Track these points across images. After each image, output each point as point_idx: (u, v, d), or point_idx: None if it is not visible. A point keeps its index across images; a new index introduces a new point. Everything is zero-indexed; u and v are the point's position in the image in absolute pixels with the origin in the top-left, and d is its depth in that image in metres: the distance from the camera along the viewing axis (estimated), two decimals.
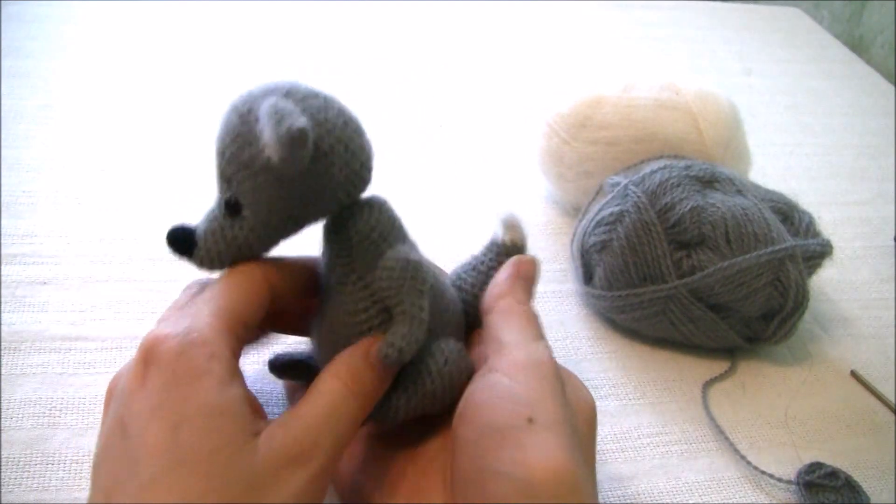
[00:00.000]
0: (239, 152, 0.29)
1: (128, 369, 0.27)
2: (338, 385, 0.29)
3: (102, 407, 0.39)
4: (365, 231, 0.30)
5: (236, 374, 0.27)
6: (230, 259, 0.30)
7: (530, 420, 0.27)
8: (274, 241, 0.31)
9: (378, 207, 0.31)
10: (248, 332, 0.29)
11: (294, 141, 0.26)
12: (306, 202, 0.30)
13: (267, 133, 0.26)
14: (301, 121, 0.26)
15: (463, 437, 0.28)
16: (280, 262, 0.31)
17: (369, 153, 0.31)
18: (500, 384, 0.28)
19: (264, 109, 0.27)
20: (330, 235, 0.31)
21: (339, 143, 0.29)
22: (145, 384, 0.26)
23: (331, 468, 0.27)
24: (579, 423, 0.29)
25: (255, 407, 0.28)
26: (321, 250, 0.32)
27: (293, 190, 0.29)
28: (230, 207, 0.29)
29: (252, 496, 0.25)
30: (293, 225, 0.31)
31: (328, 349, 0.31)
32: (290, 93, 0.29)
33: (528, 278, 0.34)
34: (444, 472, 0.30)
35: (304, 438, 0.27)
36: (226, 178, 0.29)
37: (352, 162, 0.30)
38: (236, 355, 0.28)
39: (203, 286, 0.31)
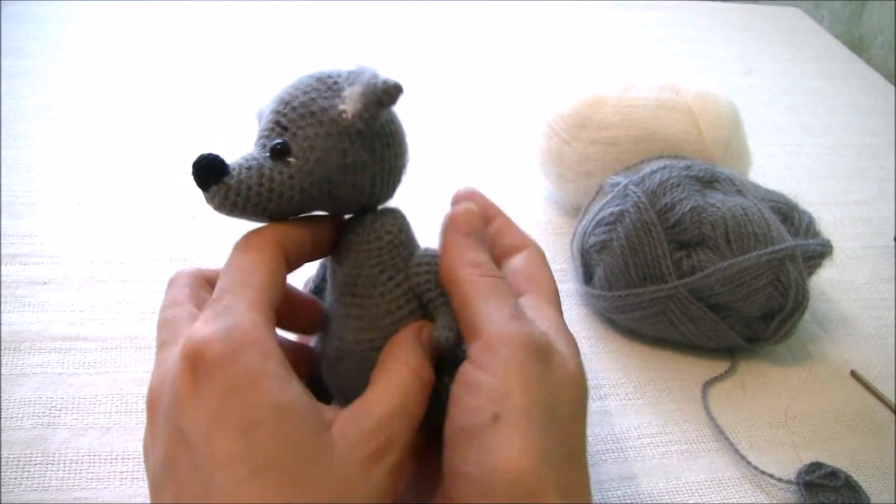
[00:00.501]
0: (310, 102, 0.30)
1: (171, 379, 0.25)
2: (408, 373, 0.27)
3: (103, 407, 0.39)
4: (395, 232, 0.31)
5: (289, 368, 0.26)
6: (255, 201, 0.29)
7: (495, 417, 0.26)
8: (299, 204, 0.29)
9: (400, 213, 0.32)
10: (277, 311, 0.28)
11: (384, 93, 0.29)
12: (349, 177, 0.30)
13: (361, 82, 0.29)
14: (395, 80, 0.29)
15: (444, 434, 0.27)
16: (289, 226, 0.30)
17: (406, 167, 0.32)
18: (468, 376, 0.27)
19: (367, 72, 0.30)
20: (353, 239, 0.31)
21: (398, 136, 0.31)
22: (199, 393, 0.24)
23: (406, 460, 0.27)
24: (559, 400, 0.27)
25: (313, 398, 0.26)
26: (328, 263, 0.32)
27: (346, 155, 0.29)
28: (277, 151, 0.29)
29: (338, 496, 0.24)
30: (323, 197, 0.30)
31: (354, 357, 0.30)
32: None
33: (469, 231, 0.31)
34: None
35: (381, 432, 0.26)
36: (282, 125, 0.29)
37: (399, 160, 0.31)
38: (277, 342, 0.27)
39: (196, 277, 0.30)
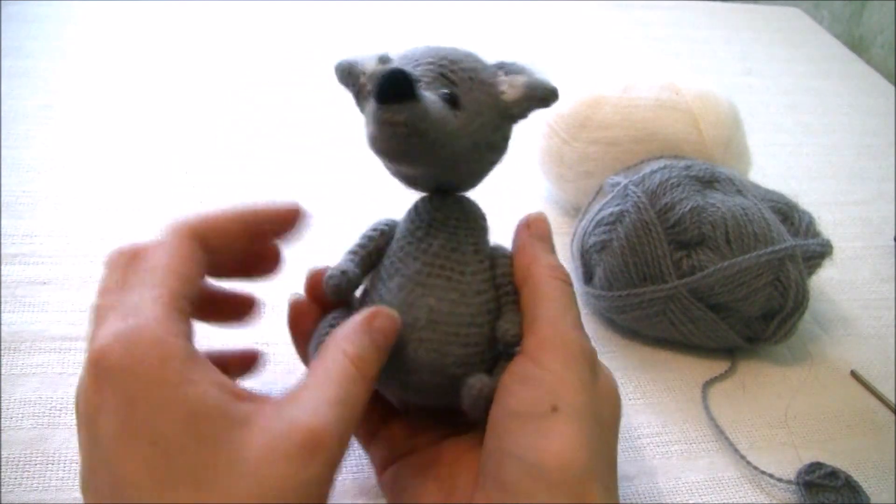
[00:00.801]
0: (477, 69, 0.30)
1: (81, 383, 0.25)
2: (346, 363, 0.27)
3: None
4: (487, 220, 0.33)
5: (198, 365, 0.25)
6: (433, 136, 0.27)
7: (554, 408, 0.27)
8: (452, 161, 0.29)
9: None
10: (193, 303, 0.27)
11: (548, 93, 0.30)
12: (485, 154, 0.31)
13: (528, 74, 0.31)
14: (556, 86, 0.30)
15: (492, 418, 0.28)
16: (207, 215, 0.30)
17: None
18: (526, 369, 0.28)
19: (528, 67, 0.31)
20: (451, 216, 0.32)
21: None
22: (103, 405, 0.24)
23: (341, 455, 0.25)
24: (604, 411, 0.29)
25: (230, 390, 0.25)
26: (415, 233, 0.32)
27: (495, 132, 0.30)
28: (450, 99, 0.29)
29: (259, 495, 0.23)
30: (459, 163, 0.30)
31: (441, 328, 0.30)
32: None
33: (543, 236, 0.32)
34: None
35: (310, 423, 0.24)
36: (449, 79, 0.29)
37: (504, 153, 0.32)
38: (190, 337, 0.26)
39: (131, 256, 0.28)
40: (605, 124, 0.50)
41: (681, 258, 0.43)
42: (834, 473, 0.39)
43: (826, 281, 0.52)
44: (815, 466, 0.39)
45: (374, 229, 0.33)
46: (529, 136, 0.57)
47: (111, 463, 0.23)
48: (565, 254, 0.52)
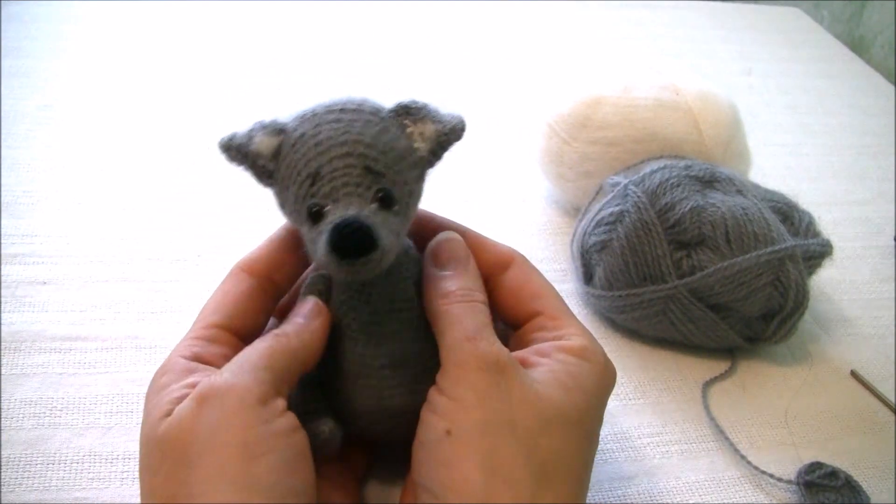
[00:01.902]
0: (394, 142, 0.29)
1: None
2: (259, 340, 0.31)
3: (103, 407, 0.39)
4: (411, 245, 0.33)
5: (188, 373, 0.29)
6: (388, 262, 0.28)
7: (448, 432, 0.27)
8: None
9: None
10: (247, 329, 0.32)
11: (460, 132, 0.30)
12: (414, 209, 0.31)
13: (431, 119, 0.30)
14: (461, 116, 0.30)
15: (413, 449, 0.29)
16: (256, 249, 0.33)
17: None
18: (431, 397, 0.29)
19: (430, 107, 0.30)
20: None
21: None
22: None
23: (239, 386, 0.27)
24: (521, 420, 0.28)
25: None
26: (351, 284, 0.31)
27: (417, 195, 0.30)
28: (386, 201, 0.28)
29: (181, 453, 0.26)
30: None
31: (405, 376, 0.31)
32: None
33: (445, 260, 0.32)
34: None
35: (204, 382, 0.28)
36: (375, 171, 0.28)
37: None
38: (214, 357, 0.30)
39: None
40: (605, 124, 0.50)
41: (681, 258, 0.43)
42: (834, 473, 0.39)
43: (826, 281, 0.52)
44: (815, 466, 0.39)
45: (312, 290, 0.32)
46: (529, 136, 0.57)
47: None
48: (565, 254, 0.52)
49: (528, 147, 0.58)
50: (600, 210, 0.46)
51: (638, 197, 0.44)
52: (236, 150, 0.30)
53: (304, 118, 0.30)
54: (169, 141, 0.58)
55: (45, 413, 0.37)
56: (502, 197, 0.57)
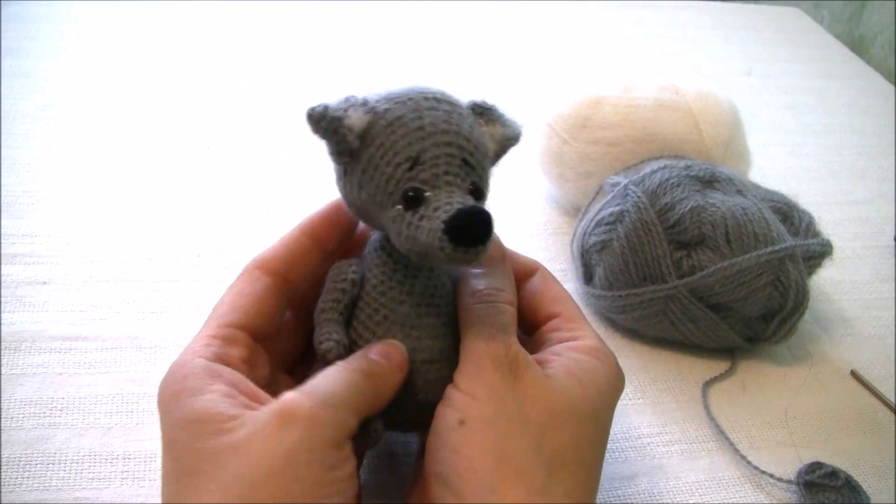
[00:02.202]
0: (480, 138, 0.30)
1: None
2: (333, 368, 0.30)
3: (103, 407, 0.39)
4: None
5: (211, 378, 0.28)
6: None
7: (461, 422, 0.28)
8: None
9: None
10: (263, 330, 0.31)
11: (519, 140, 0.32)
12: None
13: (503, 124, 0.31)
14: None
15: (427, 441, 0.30)
16: (273, 246, 0.33)
17: None
18: (447, 392, 0.30)
19: (499, 109, 0.31)
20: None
21: None
22: (161, 433, 0.29)
23: (326, 422, 0.27)
24: (529, 410, 0.29)
25: (251, 396, 0.28)
26: (393, 276, 0.32)
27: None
28: (477, 194, 0.29)
29: (249, 464, 0.25)
30: None
31: (438, 371, 0.31)
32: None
33: (488, 258, 0.32)
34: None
35: (287, 401, 0.27)
36: (470, 164, 0.29)
37: None
38: (232, 359, 0.29)
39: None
40: (605, 124, 0.50)
41: (681, 258, 0.43)
42: (834, 473, 0.39)
43: (826, 281, 0.52)
44: (815, 466, 0.39)
45: (344, 279, 0.32)
46: (529, 136, 0.57)
47: (161, 477, 0.28)
48: (565, 254, 0.52)
49: (528, 147, 0.58)
50: (600, 210, 0.46)
51: (638, 197, 0.44)
52: (329, 122, 0.28)
53: (395, 100, 0.29)
54: (169, 141, 0.58)
55: (45, 413, 0.37)
56: (502, 197, 0.57)
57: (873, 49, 0.93)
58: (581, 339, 0.32)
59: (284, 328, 0.34)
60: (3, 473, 0.34)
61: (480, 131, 0.31)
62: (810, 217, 0.46)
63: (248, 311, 0.31)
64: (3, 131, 0.56)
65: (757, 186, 0.47)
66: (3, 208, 0.49)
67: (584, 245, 0.47)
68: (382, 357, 0.30)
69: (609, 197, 0.46)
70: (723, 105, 0.52)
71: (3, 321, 0.42)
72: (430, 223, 0.27)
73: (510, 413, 0.28)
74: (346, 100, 0.29)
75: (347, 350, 0.31)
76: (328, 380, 0.28)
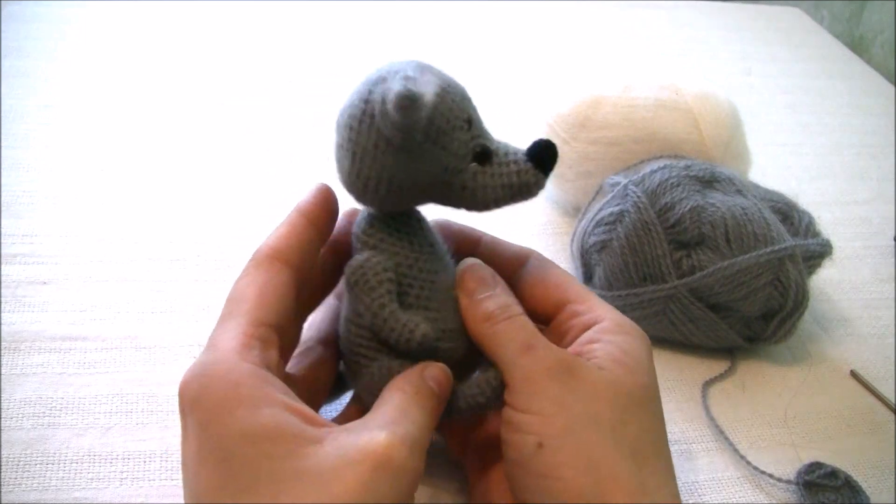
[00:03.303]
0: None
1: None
2: (403, 396, 0.29)
3: (103, 407, 0.39)
4: None
5: (267, 387, 0.26)
6: None
7: (538, 445, 0.27)
8: None
9: None
10: (284, 329, 0.29)
11: None
12: None
13: None
14: None
15: (506, 473, 0.29)
16: (277, 233, 0.31)
17: None
18: (507, 416, 0.29)
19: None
20: (434, 233, 0.34)
21: None
22: (186, 434, 0.26)
23: (411, 471, 0.26)
24: (603, 412, 0.28)
25: (307, 416, 0.26)
26: (424, 248, 0.32)
27: None
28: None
29: (333, 497, 0.24)
30: None
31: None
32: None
33: (474, 287, 0.32)
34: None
35: (383, 445, 0.25)
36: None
37: None
38: (268, 363, 0.27)
39: (229, 298, 0.30)
40: (605, 124, 0.50)
41: (681, 258, 0.43)
42: (834, 473, 0.39)
43: (826, 281, 0.52)
44: (814, 466, 0.39)
45: (385, 269, 0.31)
46: (530, 136, 0.57)
47: (190, 482, 0.26)
48: (565, 254, 0.52)
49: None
50: (600, 210, 0.46)
51: (638, 197, 0.44)
52: (423, 106, 0.28)
53: (424, 72, 0.30)
54: (169, 141, 0.58)
55: (44, 413, 0.37)
56: None
57: (873, 49, 0.93)
58: (604, 318, 0.32)
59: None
60: (2, 473, 0.34)
61: None
62: (810, 217, 0.46)
63: (277, 308, 0.29)
64: (3, 131, 0.56)
65: (757, 186, 0.47)
66: (3, 208, 0.49)
67: (584, 245, 0.47)
68: (436, 384, 0.30)
69: (609, 197, 0.46)
70: (723, 105, 0.52)
71: (3, 321, 0.42)
72: (517, 166, 0.31)
73: (581, 418, 0.28)
74: (406, 79, 0.28)
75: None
76: (409, 420, 0.27)
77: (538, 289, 0.34)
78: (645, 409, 0.30)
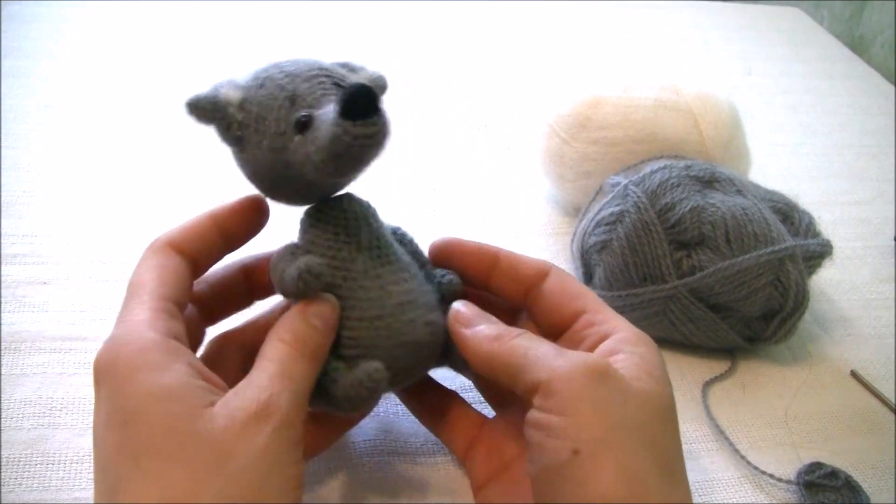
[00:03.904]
0: (345, 74, 0.32)
1: None
2: (283, 347, 0.29)
3: None
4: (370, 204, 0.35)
5: (172, 354, 0.27)
6: (384, 145, 0.29)
7: (575, 451, 0.27)
8: None
9: None
10: (182, 304, 0.30)
11: (384, 85, 0.35)
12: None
13: (372, 74, 0.35)
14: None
15: (533, 477, 0.29)
16: (180, 225, 0.33)
17: None
18: (540, 421, 0.28)
19: (361, 64, 0.34)
20: (359, 212, 0.33)
21: None
22: (98, 403, 0.27)
23: (294, 422, 0.27)
24: (632, 411, 0.28)
25: (210, 380, 0.28)
26: (339, 237, 0.32)
27: None
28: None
29: (217, 460, 0.25)
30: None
31: (412, 311, 0.32)
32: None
33: (469, 320, 0.33)
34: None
35: (260, 397, 0.27)
36: (343, 86, 0.31)
37: None
38: (175, 334, 0.28)
39: (129, 285, 0.31)
40: (605, 124, 0.50)
41: (681, 258, 0.43)
42: (834, 473, 0.39)
43: (826, 281, 0.52)
44: (815, 466, 0.39)
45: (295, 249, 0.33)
46: (529, 136, 0.57)
47: (97, 449, 0.26)
48: (565, 254, 0.52)
49: (528, 147, 0.58)
50: (600, 210, 0.46)
51: (638, 197, 0.44)
52: (206, 103, 0.30)
53: (259, 72, 0.32)
54: (169, 140, 0.58)
55: (45, 413, 0.37)
56: (502, 197, 0.57)
57: (873, 49, 0.93)
58: (620, 329, 0.31)
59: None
60: (2, 473, 0.34)
61: (348, 72, 0.33)
62: (810, 217, 0.46)
63: (174, 285, 0.30)
64: (3, 131, 0.56)
65: (757, 186, 0.47)
66: (3, 208, 0.49)
67: (584, 245, 0.47)
68: (320, 320, 0.30)
69: (609, 197, 0.46)
70: (723, 105, 0.52)
71: (3, 321, 0.42)
72: (326, 120, 0.28)
73: (622, 424, 0.27)
74: (215, 84, 0.31)
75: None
76: (290, 372, 0.28)
77: (557, 300, 0.34)
78: (671, 421, 0.29)
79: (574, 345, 0.32)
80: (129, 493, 0.25)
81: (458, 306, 0.33)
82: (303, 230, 0.33)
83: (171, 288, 0.30)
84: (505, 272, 0.35)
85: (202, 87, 0.31)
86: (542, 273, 0.34)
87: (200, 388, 0.27)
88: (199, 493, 0.24)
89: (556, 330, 0.34)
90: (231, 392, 0.27)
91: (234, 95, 0.31)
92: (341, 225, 0.32)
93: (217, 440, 0.25)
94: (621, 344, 0.31)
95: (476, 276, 0.35)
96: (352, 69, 0.34)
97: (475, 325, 0.32)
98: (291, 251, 0.32)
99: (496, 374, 0.31)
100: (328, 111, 0.28)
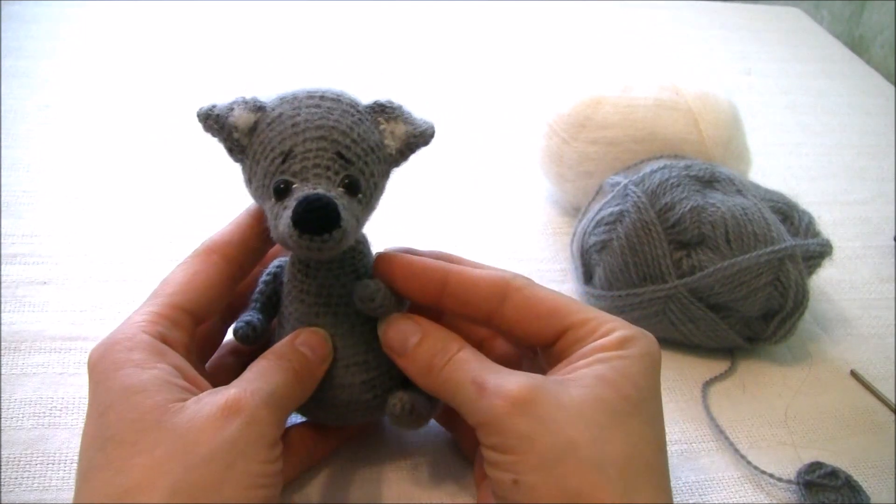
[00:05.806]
0: (367, 136, 0.30)
1: None
2: (264, 361, 0.30)
3: None
4: (363, 239, 0.34)
5: (161, 356, 0.29)
6: (347, 244, 0.29)
7: (514, 482, 0.27)
8: None
9: None
10: (206, 317, 0.32)
11: (429, 137, 0.31)
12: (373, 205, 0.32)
13: (404, 121, 0.31)
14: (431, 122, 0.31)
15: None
16: (222, 230, 0.34)
17: None
18: (483, 453, 0.29)
19: (404, 108, 0.31)
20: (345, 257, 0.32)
21: None
22: (90, 397, 0.28)
23: (264, 421, 0.28)
24: (578, 434, 0.27)
25: (194, 382, 0.29)
26: (296, 276, 0.32)
27: (381, 189, 0.31)
28: (352, 187, 0.29)
29: (182, 448, 0.26)
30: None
31: (336, 368, 0.32)
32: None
33: (400, 348, 0.32)
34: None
35: (229, 393, 0.28)
36: (346, 158, 0.29)
37: None
38: (171, 340, 0.30)
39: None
40: (605, 124, 0.50)
41: (681, 258, 0.43)
42: (834, 473, 0.39)
43: (826, 281, 0.52)
44: (815, 466, 0.39)
45: (268, 273, 0.34)
46: (529, 136, 0.57)
47: (81, 441, 0.28)
48: (565, 254, 0.52)
49: (528, 147, 0.58)
50: (600, 210, 0.46)
51: (638, 197, 0.44)
52: (214, 120, 0.31)
53: (284, 99, 0.31)
54: (168, 140, 0.58)
55: (45, 413, 0.37)
56: (502, 197, 0.57)
57: (873, 49, 0.93)
58: (604, 334, 0.31)
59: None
60: (3, 473, 0.34)
61: (369, 128, 0.30)
62: (810, 217, 0.46)
63: (197, 295, 0.31)
64: (3, 131, 0.56)
65: (757, 186, 0.47)
66: (3, 208, 0.49)
67: (584, 245, 0.47)
68: (308, 348, 0.31)
69: (609, 197, 0.46)
70: (723, 105, 0.52)
71: (3, 321, 0.42)
72: (285, 212, 0.28)
73: (554, 450, 0.27)
74: (236, 100, 0.31)
75: (261, 332, 0.32)
76: (266, 379, 0.29)
77: (530, 323, 0.31)
78: (631, 421, 0.28)
79: (559, 361, 0.31)
80: (94, 479, 0.26)
81: (382, 332, 0.32)
82: (292, 266, 0.33)
83: (190, 296, 0.31)
84: (455, 296, 0.32)
85: (223, 97, 0.31)
86: (498, 294, 0.31)
87: (177, 386, 0.28)
88: (157, 481, 0.25)
89: (536, 344, 0.33)
90: (207, 392, 0.28)
91: (243, 121, 0.30)
92: (303, 263, 0.32)
93: (180, 431, 0.26)
94: (592, 351, 0.30)
95: (423, 300, 0.32)
96: (392, 116, 0.31)
97: (405, 349, 0.31)
98: (269, 271, 0.34)
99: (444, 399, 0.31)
100: (298, 198, 0.28)
